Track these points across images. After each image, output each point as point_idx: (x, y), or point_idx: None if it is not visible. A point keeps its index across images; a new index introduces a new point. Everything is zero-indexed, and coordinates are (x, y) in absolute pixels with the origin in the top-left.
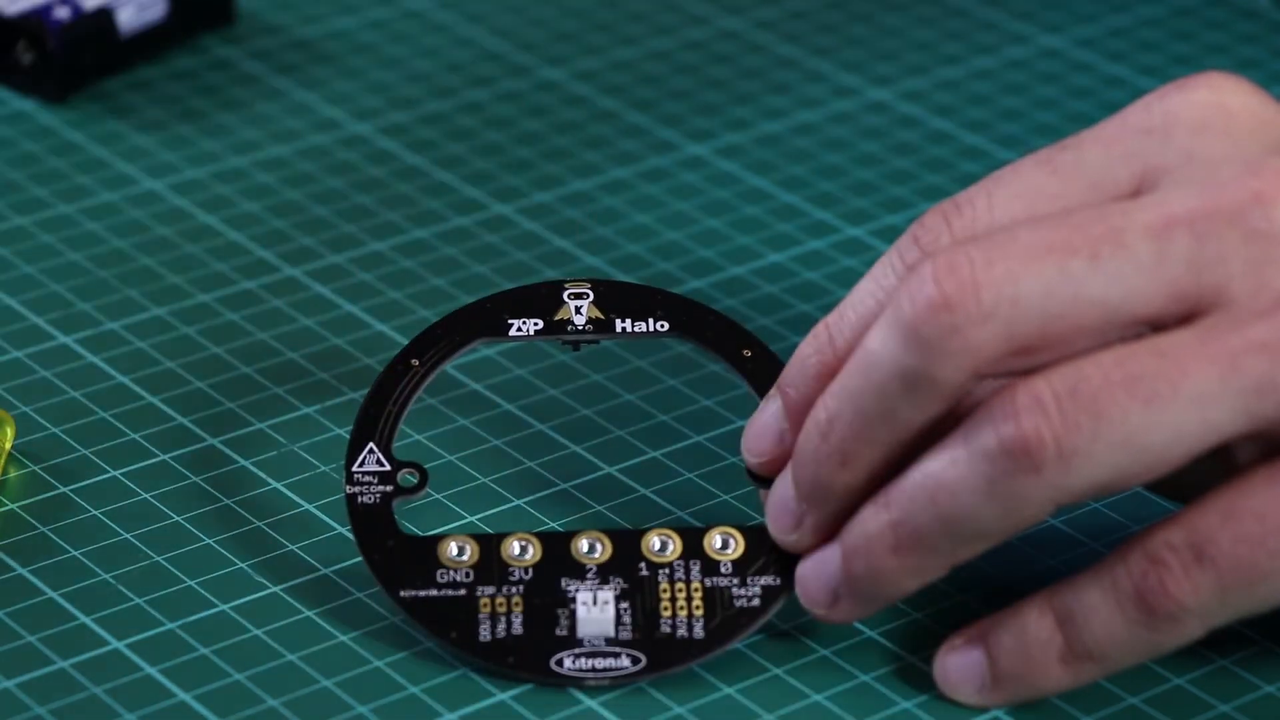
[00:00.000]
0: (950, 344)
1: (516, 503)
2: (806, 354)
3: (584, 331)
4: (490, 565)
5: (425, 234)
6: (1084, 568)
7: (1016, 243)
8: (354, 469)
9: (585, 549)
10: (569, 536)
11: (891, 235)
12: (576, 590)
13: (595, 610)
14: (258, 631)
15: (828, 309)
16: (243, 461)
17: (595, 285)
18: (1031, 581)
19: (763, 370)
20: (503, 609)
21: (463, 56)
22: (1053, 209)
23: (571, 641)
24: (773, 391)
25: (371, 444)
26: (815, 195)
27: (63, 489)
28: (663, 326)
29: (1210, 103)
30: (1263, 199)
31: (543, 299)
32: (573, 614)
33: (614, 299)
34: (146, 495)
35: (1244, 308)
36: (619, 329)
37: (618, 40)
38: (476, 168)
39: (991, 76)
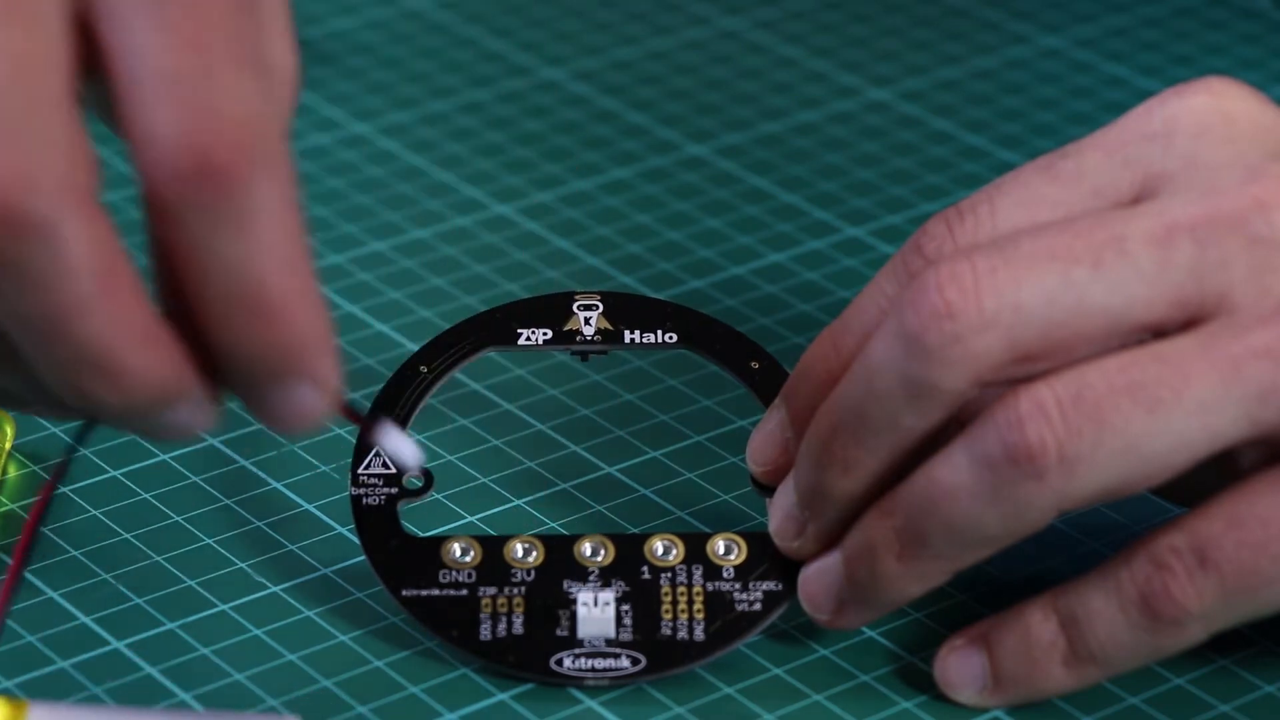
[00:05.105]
0: (952, 352)
1: (517, 503)
2: (810, 362)
3: (592, 342)
4: (493, 566)
5: (425, 234)
6: (1087, 569)
7: (1019, 250)
8: (359, 471)
9: (588, 552)
10: (572, 540)
11: (891, 235)
12: (578, 591)
13: (596, 611)
14: (258, 631)
15: (828, 309)
16: (243, 461)
17: (605, 297)
18: (1033, 581)
19: (770, 382)
20: (504, 609)
21: (463, 56)
22: (1055, 216)
23: (572, 642)
24: (777, 400)
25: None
26: (815, 195)
27: (63, 489)
28: (671, 338)
29: (1210, 108)
30: (1264, 205)
31: (552, 309)
32: (573, 614)
33: (623, 311)
34: (146, 495)
35: (1246, 314)
36: (627, 340)
37: (618, 40)
38: (476, 168)
39: (991, 76)
